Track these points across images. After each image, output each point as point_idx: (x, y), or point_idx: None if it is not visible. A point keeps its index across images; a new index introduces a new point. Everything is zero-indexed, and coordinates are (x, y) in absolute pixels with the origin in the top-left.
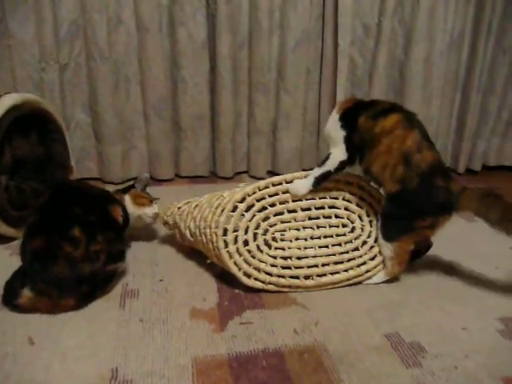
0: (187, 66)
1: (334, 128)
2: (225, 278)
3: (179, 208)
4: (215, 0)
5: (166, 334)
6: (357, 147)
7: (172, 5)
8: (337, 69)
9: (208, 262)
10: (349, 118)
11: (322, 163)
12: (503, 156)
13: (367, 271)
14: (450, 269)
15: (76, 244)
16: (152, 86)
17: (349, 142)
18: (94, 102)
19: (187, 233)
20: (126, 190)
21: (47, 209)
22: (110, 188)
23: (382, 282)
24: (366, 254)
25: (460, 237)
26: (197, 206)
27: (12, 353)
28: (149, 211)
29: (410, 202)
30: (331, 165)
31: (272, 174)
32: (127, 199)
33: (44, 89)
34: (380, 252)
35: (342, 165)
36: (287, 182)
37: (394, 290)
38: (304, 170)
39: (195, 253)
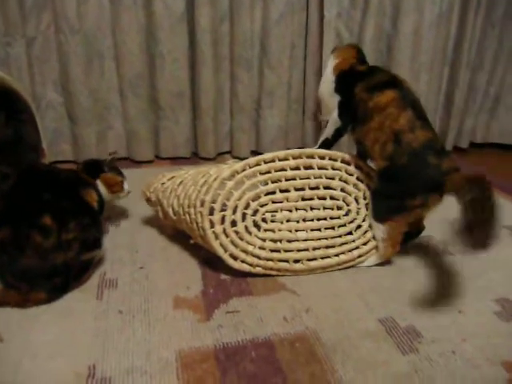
0: (165, 40)
1: (327, 90)
2: (210, 264)
3: (163, 184)
4: None
5: (147, 325)
6: (351, 115)
7: None
8: (322, 43)
9: (191, 242)
10: (344, 82)
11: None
12: (490, 133)
13: (359, 256)
14: (442, 250)
15: (46, 233)
16: (127, 61)
17: (343, 107)
18: (66, 79)
19: (170, 211)
20: (95, 174)
21: (13, 195)
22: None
23: (375, 265)
24: (359, 238)
25: (451, 216)
26: (181, 182)
27: None
28: (122, 194)
29: (399, 179)
30: (328, 133)
31: (256, 153)
32: (100, 186)
33: (10, 65)
34: (374, 237)
35: (338, 132)
36: (280, 160)
37: (386, 273)
38: (289, 148)
39: (177, 236)
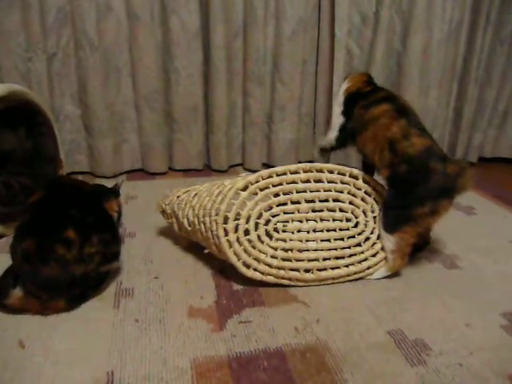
0: (180, 56)
1: (336, 108)
2: (223, 274)
3: (178, 197)
4: None
5: (163, 334)
6: (349, 134)
7: None
8: (333, 59)
9: (205, 252)
10: (349, 105)
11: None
12: (499, 148)
13: (368, 267)
14: (449, 263)
15: (69, 246)
16: (144, 76)
17: (342, 131)
18: (84, 93)
19: (185, 222)
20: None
21: (40, 208)
22: (101, 183)
23: (383, 278)
24: (368, 250)
25: (459, 231)
26: (196, 194)
27: (2, 357)
28: None
29: (404, 187)
30: (326, 142)
31: (267, 166)
32: None
33: (31, 80)
34: (382, 249)
35: (331, 148)
36: (291, 173)
37: (395, 286)
38: (300, 162)
39: (191, 248)
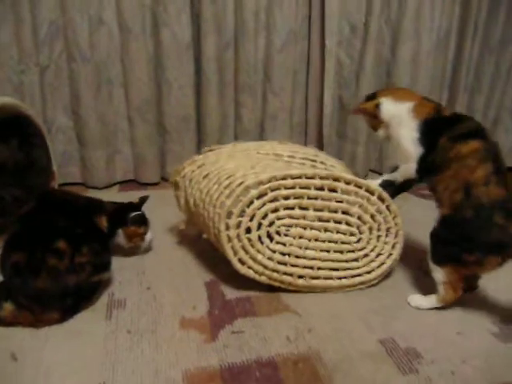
0: (172, 67)
1: (407, 138)
2: (215, 284)
3: (193, 171)
4: (200, 0)
5: (155, 345)
6: (429, 168)
7: (155, 5)
8: (324, 70)
9: (204, 236)
10: (429, 132)
11: (391, 172)
12: None
13: (361, 283)
14: None
15: (61, 256)
16: (136, 88)
17: (423, 163)
18: (76, 105)
19: (191, 201)
20: (118, 225)
21: (30, 219)
22: (93, 194)
23: (376, 287)
24: (364, 266)
25: None
26: (207, 175)
27: None
28: (143, 244)
29: (460, 231)
30: (396, 178)
31: None
32: (120, 234)
33: (24, 92)
34: (379, 267)
35: (408, 183)
36: (307, 178)
37: (387, 295)
38: None
39: (183, 258)
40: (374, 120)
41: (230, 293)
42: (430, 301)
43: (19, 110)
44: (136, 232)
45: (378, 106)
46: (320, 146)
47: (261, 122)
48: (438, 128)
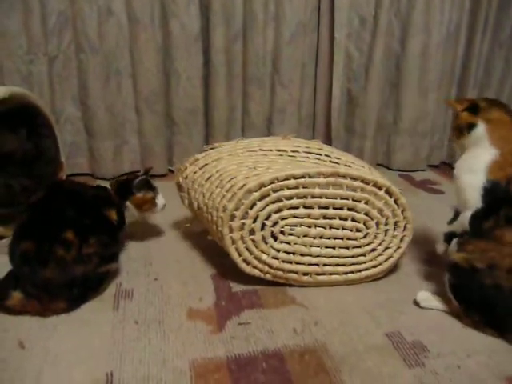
0: (180, 58)
1: (471, 182)
2: (222, 276)
3: (195, 173)
4: None
5: (162, 335)
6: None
7: None
8: (332, 62)
9: (209, 238)
10: (494, 198)
11: (450, 222)
12: None
13: (367, 277)
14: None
15: (69, 247)
16: (144, 79)
17: (477, 219)
18: (85, 95)
19: (194, 203)
20: (125, 196)
21: (39, 209)
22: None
23: (382, 281)
24: (371, 260)
25: None
26: (209, 178)
27: (2, 357)
28: (156, 210)
29: (472, 288)
30: (456, 228)
31: None
32: (130, 206)
33: (32, 82)
34: (386, 260)
35: (464, 233)
36: (310, 177)
37: (393, 289)
38: None
39: (190, 250)
40: (458, 130)
41: (237, 285)
42: (443, 307)
43: (28, 100)
44: (145, 199)
45: (472, 125)
46: (328, 139)
47: (269, 115)
48: (501, 198)
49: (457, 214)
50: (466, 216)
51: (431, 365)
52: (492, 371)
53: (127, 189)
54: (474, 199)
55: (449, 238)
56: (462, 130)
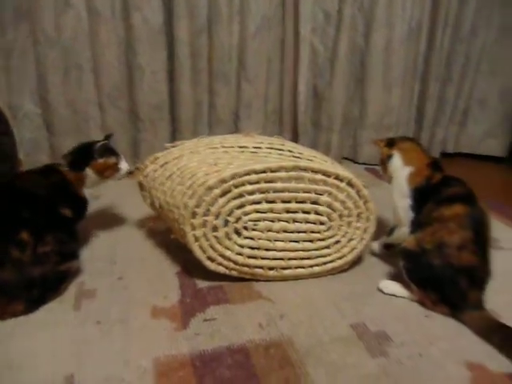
0: (143, 52)
1: (401, 201)
2: (187, 274)
3: (155, 171)
4: None
5: (125, 335)
6: (415, 227)
7: None
8: (298, 57)
9: (172, 236)
10: (419, 201)
11: (388, 234)
12: (460, 144)
13: (332, 269)
14: None
15: (24, 247)
16: (106, 73)
17: (412, 225)
18: (44, 90)
19: (157, 202)
20: (84, 163)
21: None
22: None
23: (348, 273)
24: (335, 252)
25: None
26: (170, 176)
27: None
28: (119, 175)
29: (423, 268)
30: (393, 240)
31: None
32: (90, 173)
33: None
34: (350, 252)
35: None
36: (272, 171)
37: (358, 280)
38: None
39: (155, 247)
40: (383, 163)
41: (202, 282)
42: (405, 293)
43: None
44: (106, 164)
45: (390, 156)
46: (295, 134)
47: (235, 110)
48: (425, 195)
49: (392, 229)
50: (403, 231)
51: (395, 354)
52: (453, 357)
53: (87, 154)
54: (407, 217)
55: (386, 247)
56: (384, 162)
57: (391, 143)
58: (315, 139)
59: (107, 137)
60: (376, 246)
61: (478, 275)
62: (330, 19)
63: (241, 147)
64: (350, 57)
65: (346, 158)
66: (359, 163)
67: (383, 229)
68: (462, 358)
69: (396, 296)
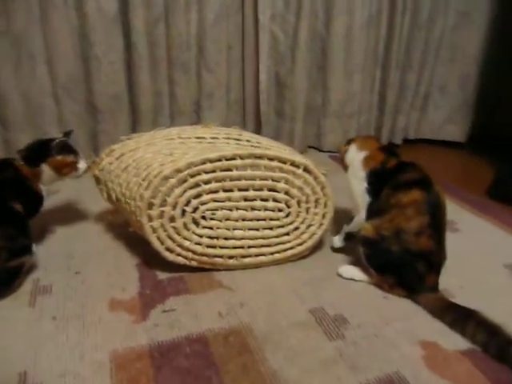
0: (99, 42)
1: (356, 185)
2: (147, 265)
3: (111, 164)
4: None
5: (81, 330)
6: (373, 213)
7: None
8: (258, 45)
9: (130, 229)
10: (375, 183)
11: (348, 224)
12: (421, 130)
13: (293, 255)
14: None
15: None
16: (61, 64)
17: (370, 211)
18: None
19: (113, 195)
20: (39, 158)
21: None
22: None
23: (308, 259)
24: (295, 239)
25: None
26: (126, 168)
27: None
28: (77, 174)
29: (382, 254)
30: (352, 228)
31: None
32: (46, 170)
33: None
34: (310, 238)
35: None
36: (227, 160)
37: (318, 265)
38: None
39: (114, 240)
40: (343, 162)
41: (162, 273)
42: (363, 276)
43: None
44: (64, 162)
45: (346, 151)
46: (258, 124)
47: (197, 100)
48: (381, 178)
49: (352, 219)
50: (361, 217)
51: (351, 336)
52: (407, 337)
53: (44, 150)
54: (364, 201)
55: (347, 238)
56: (343, 159)
57: (349, 141)
58: (278, 128)
59: (66, 134)
60: (337, 239)
61: (435, 259)
62: (290, 6)
63: (198, 138)
64: (310, 44)
65: (311, 147)
66: (324, 151)
67: (345, 217)
68: (416, 338)
69: (355, 280)
